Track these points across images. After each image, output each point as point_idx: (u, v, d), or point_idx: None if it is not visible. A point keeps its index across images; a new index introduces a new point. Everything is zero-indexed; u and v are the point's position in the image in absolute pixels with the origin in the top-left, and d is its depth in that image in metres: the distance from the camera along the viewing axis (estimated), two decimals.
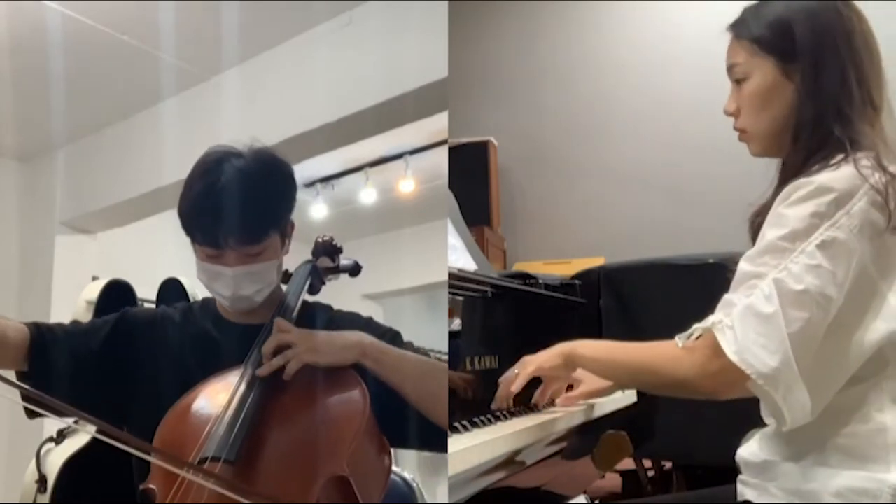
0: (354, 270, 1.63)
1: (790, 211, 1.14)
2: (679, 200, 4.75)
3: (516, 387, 1.33)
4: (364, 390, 1.22)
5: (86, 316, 2.65)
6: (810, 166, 1.19)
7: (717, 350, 1.12)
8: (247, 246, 1.31)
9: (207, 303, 1.48)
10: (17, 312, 4.36)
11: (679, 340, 1.18)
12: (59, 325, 1.40)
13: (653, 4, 4.94)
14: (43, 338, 1.32)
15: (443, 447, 1.08)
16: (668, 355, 1.19)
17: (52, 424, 2.68)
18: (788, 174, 1.23)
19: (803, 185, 1.14)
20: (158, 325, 1.42)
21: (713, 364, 1.13)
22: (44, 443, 2.37)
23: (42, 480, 2.26)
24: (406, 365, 1.27)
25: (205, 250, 1.32)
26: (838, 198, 1.11)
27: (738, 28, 1.28)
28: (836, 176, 1.13)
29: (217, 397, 1.25)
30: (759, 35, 1.25)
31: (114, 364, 1.35)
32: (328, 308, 1.48)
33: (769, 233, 1.15)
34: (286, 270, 1.50)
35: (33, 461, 2.31)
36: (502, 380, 1.38)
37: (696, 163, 4.68)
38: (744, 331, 1.11)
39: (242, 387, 1.23)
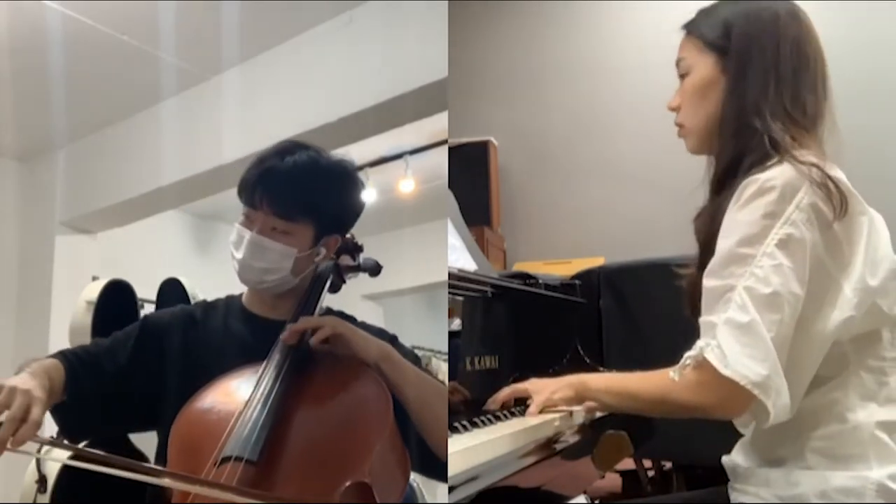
0: (375, 270, 1.63)
1: (741, 216, 1.16)
2: (679, 200, 4.74)
3: (531, 413, 1.34)
4: (388, 394, 1.22)
5: (86, 316, 2.65)
6: (741, 165, 1.22)
7: (715, 374, 1.13)
8: (276, 216, 1.35)
9: (232, 299, 1.50)
10: (16, 312, 4.36)
11: (674, 374, 1.19)
12: (83, 349, 1.40)
13: (653, 4, 4.94)
14: (74, 368, 1.32)
15: (440, 473, 1.09)
16: (676, 384, 1.19)
17: (52, 425, 2.68)
18: (717, 170, 1.29)
19: (748, 184, 1.16)
20: (181, 324, 1.43)
21: (720, 388, 1.13)
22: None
23: (42, 480, 2.26)
24: (421, 383, 1.28)
25: (244, 211, 1.38)
26: (783, 194, 1.13)
27: (690, 26, 1.34)
28: (777, 173, 1.15)
29: (236, 393, 1.24)
30: (705, 32, 1.31)
31: (143, 372, 1.36)
32: (353, 319, 1.49)
33: (725, 242, 1.17)
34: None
35: (33, 461, 2.31)
36: (509, 389, 1.41)
37: (697, 163, 4.67)
38: (728, 345, 1.12)
39: (265, 384, 1.23)
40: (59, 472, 2.23)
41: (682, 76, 1.34)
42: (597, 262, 3.17)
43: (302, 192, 1.37)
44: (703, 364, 1.14)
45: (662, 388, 1.21)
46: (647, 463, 2.97)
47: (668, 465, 2.92)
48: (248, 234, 1.37)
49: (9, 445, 1.08)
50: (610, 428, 1.41)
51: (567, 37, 5.21)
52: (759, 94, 1.24)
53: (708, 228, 1.25)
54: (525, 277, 1.89)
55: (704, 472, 2.64)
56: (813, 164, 1.16)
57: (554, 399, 1.35)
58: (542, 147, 5.21)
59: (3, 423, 1.08)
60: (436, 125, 3.62)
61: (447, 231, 1.82)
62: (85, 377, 1.32)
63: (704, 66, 1.30)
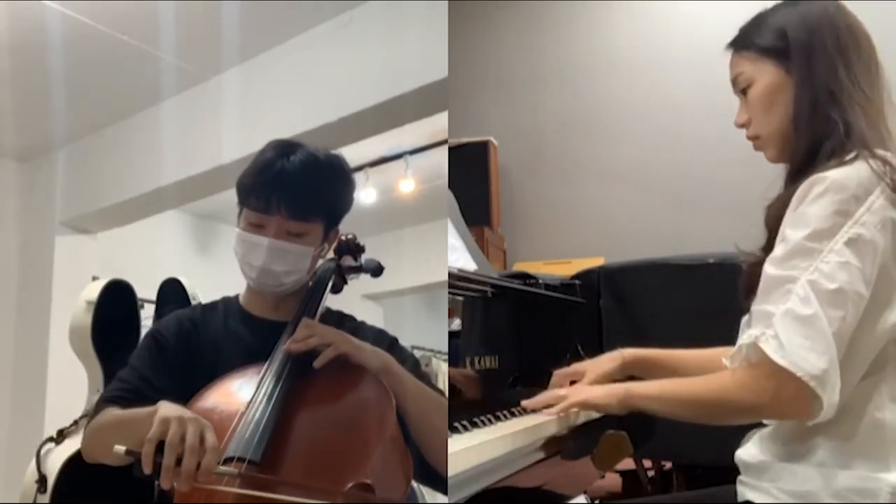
0: (377, 271, 1.62)
1: (811, 210, 1.15)
2: (679, 200, 4.75)
3: (557, 409, 1.32)
4: (390, 396, 1.23)
5: (86, 316, 2.64)
6: (817, 157, 1.21)
7: (771, 365, 1.11)
8: (293, 218, 1.35)
9: (230, 301, 1.49)
10: (16, 312, 4.36)
11: (727, 361, 1.18)
12: (117, 388, 1.36)
13: (653, 4, 4.94)
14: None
15: (439, 484, 1.08)
16: (728, 383, 1.19)
17: (52, 424, 2.67)
18: (796, 165, 1.26)
19: (818, 181, 1.15)
20: (185, 332, 1.43)
21: (775, 381, 1.12)
22: (44, 443, 2.36)
23: (42, 480, 2.26)
24: (420, 396, 1.29)
25: (251, 217, 1.36)
26: (856, 194, 1.13)
27: (737, 42, 1.35)
28: (850, 173, 1.15)
29: (238, 394, 1.24)
30: (757, 42, 1.31)
31: (171, 388, 1.33)
32: (352, 318, 1.50)
33: (792, 234, 1.15)
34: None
35: (33, 461, 2.31)
36: (550, 393, 1.39)
37: (696, 163, 4.68)
38: (788, 336, 1.10)
39: (267, 386, 1.23)
40: (59, 472, 2.22)
41: (744, 90, 1.33)
42: (597, 262, 3.17)
43: (314, 192, 1.38)
44: (757, 356, 1.13)
45: (717, 389, 1.20)
46: (647, 463, 2.97)
47: (668, 465, 2.92)
48: (265, 241, 1.35)
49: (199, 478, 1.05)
50: (610, 428, 1.42)
51: (567, 37, 5.21)
52: (830, 81, 1.24)
53: (779, 215, 1.22)
54: (525, 277, 1.89)
55: (704, 472, 2.64)
56: (888, 164, 1.15)
57: (591, 404, 1.32)
58: (542, 147, 5.21)
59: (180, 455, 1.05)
60: (436, 125, 3.62)
61: (447, 231, 1.82)
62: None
63: (766, 72, 1.30)
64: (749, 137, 1.34)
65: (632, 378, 1.51)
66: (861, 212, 1.12)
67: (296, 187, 1.36)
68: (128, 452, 1.06)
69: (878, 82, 1.27)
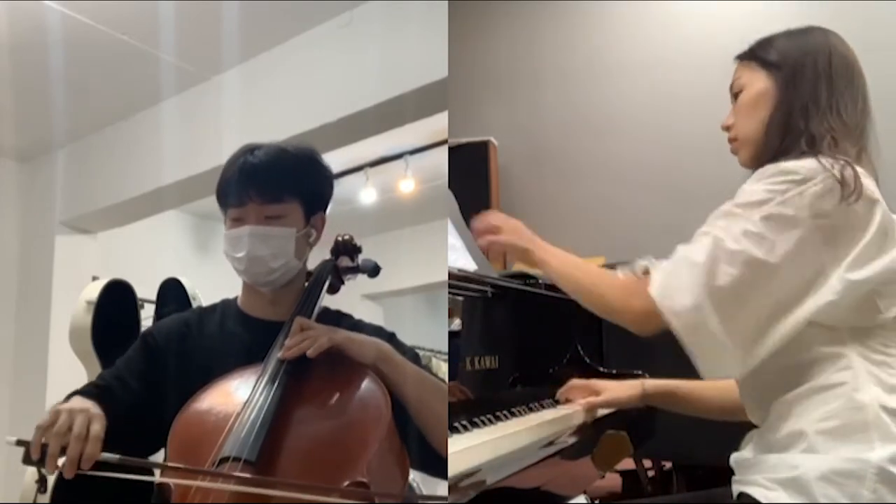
0: (374, 271, 1.63)
1: (750, 186, 1.25)
2: (680, 200, 4.74)
3: (585, 404, 1.54)
4: (386, 395, 1.23)
5: (86, 316, 2.65)
6: (778, 158, 1.29)
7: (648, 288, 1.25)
8: (266, 202, 1.38)
9: (228, 303, 1.50)
10: (16, 312, 4.36)
11: (620, 272, 1.33)
12: (94, 385, 1.37)
13: (653, 4, 4.94)
14: (107, 410, 1.26)
15: (441, 471, 1.08)
16: (616, 284, 1.35)
17: None
18: (762, 165, 1.33)
19: (769, 167, 1.25)
20: (180, 335, 1.43)
21: (643, 299, 1.25)
22: None
23: (42, 480, 2.26)
24: (420, 382, 1.29)
25: (231, 214, 1.40)
26: (795, 179, 1.21)
27: (743, 54, 1.44)
28: (798, 163, 1.23)
29: (234, 394, 1.25)
30: (760, 55, 1.40)
31: (155, 393, 1.35)
32: (350, 316, 1.50)
33: (728, 202, 1.25)
34: (308, 271, 1.52)
35: None
36: (577, 386, 1.61)
37: (697, 163, 4.67)
38: (674, 271, 1.24)
39: (263, 385, 1.23)
40: (59, 472, 2.22)
41: (736, 95, 1.42)
42: (597, 262, 3.16)
43: (283, 173, 1.41)
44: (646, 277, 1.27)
45: (602, 285, 1.36)
46: (647, 463, 2.97)
47: (668, 465, 2.92)
48: (246, 229, 1.38)
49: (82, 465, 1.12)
50: (610, 428, 1.42)
51: (567, 37, 5.21)
52: (808, 97, 1.32)
53: None
54: (525, 277, 1.89)
55: (704, 473, 2.64)
56: (838, 160, 1.21)
57: (618, 402, 1.51)
58: (542, 147, 5.20)
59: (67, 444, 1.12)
60: (436, 125, 3.62)
61: (447, 231, 1.82)
62: (116, 411, 1.27)
63: (758, 79, 1.38)
64: (729, 139, 1.43)
65: (651, 409, 1.69)
66: (792, 194, 1.20)
67: (264, 174, 1.39)
68: (18, 442, 1.11)
69: (864, 119, 1.34)
